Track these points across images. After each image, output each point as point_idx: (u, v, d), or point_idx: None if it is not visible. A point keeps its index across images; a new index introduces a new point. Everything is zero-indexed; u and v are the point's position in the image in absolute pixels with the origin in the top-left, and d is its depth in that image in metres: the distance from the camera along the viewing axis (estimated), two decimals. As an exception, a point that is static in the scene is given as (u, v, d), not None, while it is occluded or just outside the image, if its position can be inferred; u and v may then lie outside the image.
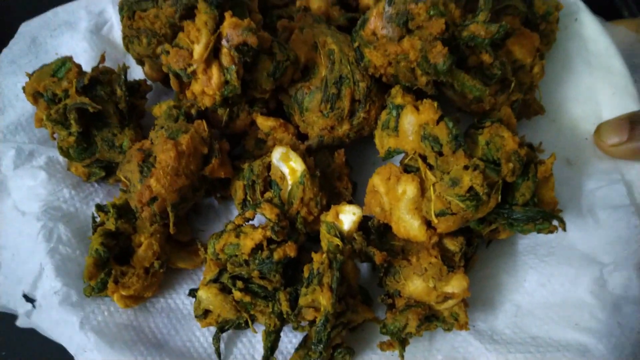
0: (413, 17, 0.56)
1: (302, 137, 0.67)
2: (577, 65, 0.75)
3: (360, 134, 0.65)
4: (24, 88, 0.68)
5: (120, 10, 0.74)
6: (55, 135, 0.70)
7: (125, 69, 0.70)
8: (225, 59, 0.56)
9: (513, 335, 0.61)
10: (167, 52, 0.59)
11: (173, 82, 0.61)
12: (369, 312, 0.61)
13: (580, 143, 0.71)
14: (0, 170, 0.71)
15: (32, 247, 0.66)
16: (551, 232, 0.57)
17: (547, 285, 0.63)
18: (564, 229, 0.57)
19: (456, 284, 0.57)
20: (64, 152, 0.69)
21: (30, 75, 0.69)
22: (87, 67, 0.77)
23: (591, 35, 0.75)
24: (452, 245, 0.60)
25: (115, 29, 0.81)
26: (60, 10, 0.82)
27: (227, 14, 0.56)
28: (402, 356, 0.58)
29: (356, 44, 0.61)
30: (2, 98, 0.75)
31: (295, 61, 0.62)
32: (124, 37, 0.74)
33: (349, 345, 0.60)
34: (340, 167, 0.66)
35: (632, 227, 0.62)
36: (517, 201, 0.59)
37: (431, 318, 0.59)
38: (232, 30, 0.55)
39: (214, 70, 0.56)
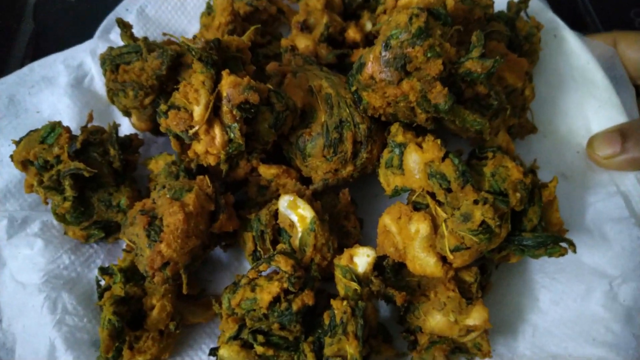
0: (411, 60, 0.56)
1: (304, 180, 0.67)
2: (562, 81, 0.77)
3: (363, 172, 0.66)
4: (11, 156, 0.66)
5: (102, 64, 0.72)
6: (48, 200, 0.68)
7: (116, 127, 0.68)
8: (226, 117, 0.55)
9: (533, 356, 0.62)
10: (165, 114, 0.58)
11: (174, 143, 0.60)
12: (390, 350, 0.61)
13: (574, 157, 0.73)
14: (-6, 241, 0.68)
15: (38, 320, 0.63)
16: (562, 254, 0.59)
17: (561, 302, 0.64)
18: (574, 251, 0.58)
19: (477, 316, 0.57)
20: (60, 217, 0.66)
21: (17, 143, 0.66)
22: (72, 123, 0.76)
23: (572, 51, 0.77)
24: (467, 276, 0.61)
25: (96, 80, 0.79)
26: (36, 66, 0.80)
27: (225, 73, 0.55)
28: (430, 392, 0.59)
29: (354, 88, 0.61)
30: (-16, 165, 0.72)
31: (294, 109, 0.61)
32: (108, 91, 0.73)
33: (375, 385, 0.61)
34: (347, 206, 0.66)
35: (634, 239, 0.64)
36: (525, 227, 0.60)
37: (455, 350, 0.60)
38: (233, 89, 0.54)
39: (217, 130, 0.55)
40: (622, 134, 0.70)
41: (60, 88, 0.77)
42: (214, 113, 0.56)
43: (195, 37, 0.59)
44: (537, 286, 0.66)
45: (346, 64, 0.73)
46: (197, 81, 0.56)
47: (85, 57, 0.80)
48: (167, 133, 0.65)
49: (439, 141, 0.59)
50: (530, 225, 0.60)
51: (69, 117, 0.76)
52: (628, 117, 0.72)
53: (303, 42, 0.72)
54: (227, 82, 0.55)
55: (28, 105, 0.78)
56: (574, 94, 0.76)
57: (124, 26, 0.73)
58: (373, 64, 0.58)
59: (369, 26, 0.76)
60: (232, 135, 0.56)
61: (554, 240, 0.58)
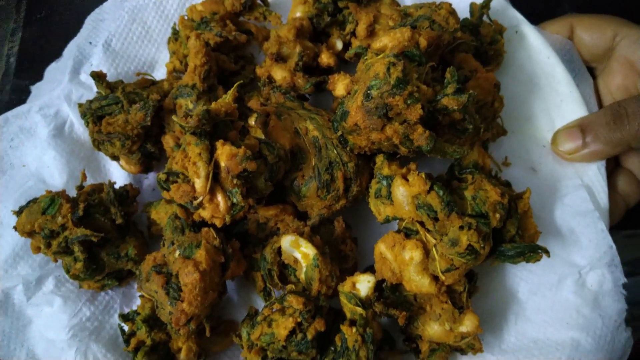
0: (392, 108, 0.59)
1: (300, 213, 0.71)
2: (526, 77, 0.81)
3: (355, 202, 0.70)
4: (15, 227, 0.68)
5: (83, 116, 0.73)
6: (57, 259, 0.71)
7: (112, 186, 0.70)
8: (227, 184, 0.59)
9: (517, 342, 0.72)
10: (166, 183, 0.61)
11: (179, 211, 0.63)
12: (396, 355, 0.70)
13: (541, 151, 0.79)
14: (14, 304, 0.71)
15: (74, 374, 0.69)
16: (538, 260, 0.66)
17: (538, 292, 0.73)
18: (549, 256, 0.66)
19: (469, 324, 0.66)
20: (74, 277, 0.70)
21: (17, 213, 0.68)
22: (62, 175, 0.77)
23: (533, 46, 0.81)
24: (457, 287, 0.68)
25: (76, 126, 0.79)
26: (10, 117, 0.79)
27: (219, 144, 0.58)
28: (435, 390, 0.68)
29: (339, 133, 0.65)
30: (-13, 232, 0.74)
31: (285, 157, 0.64)
32: (94, 141, 0.74)
33: (386, 388, 0.69)
34: (342, 232, 0.71)
35: (599, 231, 0.72)
36: (505, 237, 0.67)
37: (451, 351, 0.68)
38: (230, 161, 0.57)
39: (220, 198, 0.59)
40: (582, 128, 0.76)
41: (42, 140, 0.77)
42: (214, 179, 0.59)
43: (186, 114, 0.61)
44: (517, 279, 0.74)
45: (323, 90, 0.75)
46: (193, 154, 0.58)
47: (61, 104, 0.79)
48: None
49: (423, 174, 0.64)
50: (509, 236, 0.67)
51: (58, 169, 0.77)
52: (588, 110, 0.78)
53: (280, 74, 0.73)
54: (224, 153, 0.57)
55: (12, 159, 0.78)
56: (537, 89, 0.81)
57: (99, 77, 0.73)
58: (356, 113, 0.61)
59: (339, 45, 0.78)
60: (234, 199, 0.59)
61: (531, 249, 0.66)
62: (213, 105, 0.60)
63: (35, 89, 0.85)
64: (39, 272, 0.73)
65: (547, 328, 0.71)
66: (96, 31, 0.83)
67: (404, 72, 0.59)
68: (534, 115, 0.80)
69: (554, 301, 0.72)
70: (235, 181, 0.58)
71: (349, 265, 0.72)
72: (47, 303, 0.72)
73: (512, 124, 0.80)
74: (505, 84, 0.80)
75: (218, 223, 0.61)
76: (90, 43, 0.83)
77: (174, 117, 0.58)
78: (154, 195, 0.80)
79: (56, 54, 0.84)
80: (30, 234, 0.68)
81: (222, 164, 0.58)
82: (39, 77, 0.84)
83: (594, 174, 0.76)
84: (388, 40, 0.63)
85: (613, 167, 0.82)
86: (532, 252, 0.66)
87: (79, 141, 0.79)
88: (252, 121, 0.66)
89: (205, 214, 0.60)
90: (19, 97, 0.90)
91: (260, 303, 0.76)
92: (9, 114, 0.79)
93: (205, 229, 0.65)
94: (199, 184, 0.58)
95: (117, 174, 0.79)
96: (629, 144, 0.74)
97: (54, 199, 0.67)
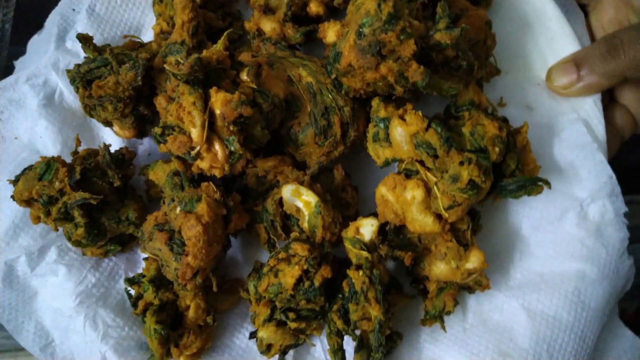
0: (385, 45, 0.59)
1: (298, 163, 0.71)
2: (517, 17, 0.80)
3: (353, 148, 0.70)
4: (12, 197, 0.67)
5: (72, 81, 0.72)
6: (58, 228, 0.71)
7: (107, 148, 0.69)
8: (223, 132, 0.58)
9: (523, 278, 0.72)
10: (162, 137, 0.60)
11: (178, 164, 0.63)
12: (404, 298, 0.70)
13: (536, 89, 0.79)
14: (18, 276, 0.71)
15: (84, 338, 0.69)
16: (539, 192, 0.67)
17: (540, 227, 0.73)
18: (550, 188, 0.66)
19: (475, 260, 0.66)
20: (77, 243, 0.70)
21: (13, 182, 0.67)
22: (55, 145, 0.76)
23: (522, -16, 0.80)
24: (461, 225, 0.68)
25: (66, 95, 0.78)
26: (-3, 87, 0.78)
27: (213, 91, 0.57)
28: (444, 328, 0.69)
29: (333, 76, 0.64)
30: (-17, 206, 0.73)
31: (280, 104, 0.64)
32: (85, 106, 0.73)
33: (396, 330, 0.70)
34: (343, 180, 0.71)
35: (598, 162, 0.72)
36: (505, 172, 0.67)
37: (459, 290, 0.69)
38: (225, 107, 0.56)
39: (217, 146, 0.58)
40: (576, 62, 0.75)
41: (33, 110, 0.76)
42: (210, 129, 0.59)
43: (178, 62, 0.60)
44: (519, 216, 0.74)
45: (314, 39, 0.74)
46: (187, 103, 0.57)
47: (49, 73, 0.78)
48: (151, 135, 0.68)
49: (420, 113, 0.64)
50: (509, 171, 0.67)
51: (51, 139, 0.76)
52: (580, 45, 0.78)
53: (269, 25, 0.72)
54: (218, 100, 0.57)
55: (3, 132, 0.77)
56: (528, 28, 0.80)
57: (86, 40, 0.72)
58: (349, 53, 0.61)
59: (327, -7, 0.76)
60: (232, 147, 0.59)
61: (532, 181, 0.66)
62: (204, 53, 0.59)
63: (19, 63, 0.84)
64: (40, 242, 0.72)
65: (552, 262, 0.72)
66: (78, -2, 0.81)
67: (395, 8, 0.58)
68: (526, 54, 0.80)
69: (556, 235, 0.72)
70: (232, 127, 0.58)
71: (351, 212, 0.72)
72: (52, 272, 0.71)
73: (505, 64, 0.79)
74: (496, 24, 0.78)
75: (217, 173, 0.61)
76: (74, 10, 0.81)
77: (165, 66, 0.57)
78: (150, 160, 0.79)
79: None
80: (28, 202, 0.67)
81: (217, 111, 0.57)
82: None
83: (590, 108, 0.76)
84: (377, -23, 0.62)
85: (607, 102, 0.82)
86: (533, 184, 0.66)
87: (70, 109, 0.78)
88: (244, 75, 0.66)
89: (203, 164, 0.60)
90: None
91: (265, 260, 0.75)
92: (-4, 85, 0.78)
93: (204, 183, 0.65)
94: (195, 133, 0.57)
95: (112, 140, 0.78)
96: (624, 74, 0.73)
97: (50, 164, 0.66)
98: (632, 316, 0.79)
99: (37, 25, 0.84)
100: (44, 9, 0.83)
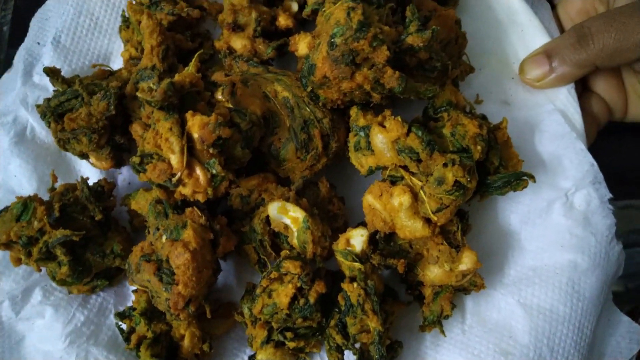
0: (358, 53, 0.58)
1: (281, 179, 0.70)
2: (485, 13, 0.81)
3: (336, 159, 0.69)
4: (-10, 242, 0.65)
5: (43, 116, 0.71)
6: (41, 268, 0.69)
7: (85, 182, 0.68)
8: (203, 156, 0.57)
9: (516, 273, 0.72)
10: (140, 166, 0.59)
11: (160, 192, 0.61)
12: (400, 305, 0.69)
13: (510, 83, 0.79)
14: (3, 321, 0.69)
15: (77, 381, 0.67)
16: (525, 187, 0.67)
17: (528, 221, 0.73)
18: (534, 181, 0.66)
19: (467, 261, 0.65)
20: (62, 282, 0.68)
21: (-11, 226, 0.65)
22: (31, 182, 0.75)
23: (487, -19, 0.81)
24: (450, 227, 0.68)
25: (38, 130, 0.76)
26: (-34, 132, 0.75)
27: (189, 115, 0.56)
28: (443, 333, 0.68)
29: (309, 89, 0.63)
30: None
31: (258, 122, 0.63)
32: (58, 141, 0.71)
33: (396, 339, 0.69)
34: (328, 192, 0.70)
35: (578, 151, 0.73)
36: (489, 169, 0.67)
37: (455, 292, 0.68)
38: (203, 130, 0.55)
39: (199, 171, 0.57)
40: (547, 54, 0.76)
41: (4, 149, 0.74)
42: (190, 153, 0.58)
43: (150, 88, 0.58)
44: (506, 212, 0.74)
45: (285, 53, 0.74)
46: (164, 129, 0.56)
47: (18, 109, 0.76)
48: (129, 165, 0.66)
49: (399, 118, 0.63)
50: (493, 168, 0.67)
51: (26, 177, 0.74)
52: (550, 36, 0.78)
53: (239, 43, 0.72)
54: (195, 123, 0.56)
55: (-24, 175, 0.75)
56: (497, 23, 0.81)
57: (53, 73, 0.70)
58: (323, 64, 0.60)
59: (295, 6, 0.76)
60: (213, 170, 0.58)
61: (516, 176, 0.66)
62: (177, 77, 0.58)
63: None
64: (23, 284, 0.70)
65: (543, 254, 0.72)
66: (42, 31, 0.80)
67: (365, 15, 0.58)
68: (498, 49, 0.80)
69: (545, 227, 0.73)
70: (211, 150, 0.56)
71: (340, 224, 0.71)
72: (38, 315, 0.69)
73: (478, 61, 0.80)
74: (465, 22, 0.78)
75: (201, 198, 0.59)
76: (39, 43, 0.79)
77: (138, 94, 0.56)
78: (130, 189, 0.77)
79: None
80: (7, 245, 0.65)
81: (195, 135, 0.56)
82: None
83: (565, 97, 0.76)
84: (344, -13, 0.62)
85: (581, 91, 0.82)
86: (518, 179, 0.66)
87: (43, 145, 0.76)
88: (219, 95, 0.65)
89: (186, 190, 0.58)
90: None
91: (257, 281, 0.74)
92: (-34, 128, 0.76)
93: (189, 209, 0.64)
94: (174, 159, 0.56)
95: (89, 172, 0.76)
96: (594, 63, 0.74)
97: (27, 203, 0.64)
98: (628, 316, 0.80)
99: None
100: None
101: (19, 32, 0.93)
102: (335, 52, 0.59)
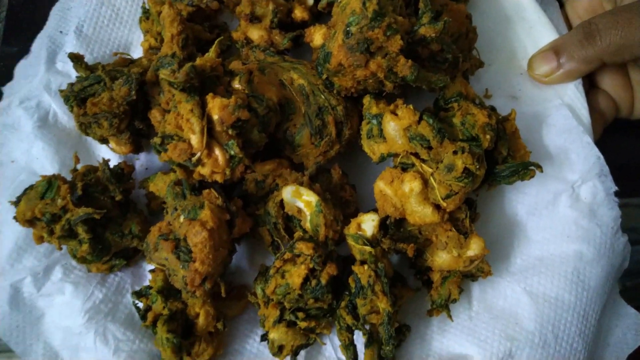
0: (372, 42, 0.61)
1: (295, 165, 0.72)
2: (495, 10, 0.83)
3: (348, 147, 0.72)
4: (15, 217, 0.67)
5: (67, 101, 0.73)
6: (62, 246, 0.71)
7: (106, 164, 0.70)
8: (222, 137, 0.59)
9: (523, 263, 0.74)
10: (162, 146, 0.61)
11: (179, 172, 0.64)
12: (409, 291, 0.71)
13: (519, 78, 0.82)
14: (24, 297, 0.71)
15: (96, 354, 0.69)
16: (532, 177, 0.68)
17: (535, 212, 0.75)
18: (542, 171, 0.68)
19: (475, 247, 0.67)
20: (82, 260, 0.70)
21: (15, 203, 0.68)
22: (53, 165, 0.77)
23: (498, -21, 0.83)
24: (459, 214, 0.70)
25: (60, 115, 0.79)
26: (-10, 113, 0.78)
27: (209, 97, 0.58)
28: (450, 317, 0.70)
29: (324, 76, 0.66)
30: (-15, 229, 0.73)
31: (274, 107, 0.65)
32: (80, 125, 0.74)
33: (404, 323, 0.71)
34: (340, 179, 0.72)
35: (585, 144, 0.75)
36: (497, 159, 0.69)
37: (463, 278, 0.70)
38: (223, 112, 0.57)
39: (217, 151, 0.59)
40: (555, 50, 0.78)
41: (28, 133, 0.77)
42: (209, 135, 0.60)
43: (174, 71, 0.61)
44: (514, 203, 0.76)
45: (301, 44, 0.76)
46: (185, 111, 0.59)
47: (41, 94, 0.78)
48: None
49: (411, 106, 0.65)
50: (501, 157, 0.69)
51: (48, 159, 0.76)
52: (558, 33, 0.80)
53: (256, 33, 0.74)
54: (215, 105, 0.58)
55: (0, 157, 0.77)
56: (507, 20, 0.83)
57: (77, 59, 0.73)
58: (339, 52, 0.63)
59: (310, 0, 0.79)
60: (231, 152, 0.60)
61: (524, 166, 0.68)
62: (198, 61, 0.60)
63: (7, 88, 0.84)
64: (45, 262, 0.73)
65: (550, 245, 0.73)
66: (65, 20, 0.83)
67: (380, 5, 0.60)
68: (507, 45, 0.83)
69: (552, 218, 0.74)
70: (230, 132, 0.59)
71: (351, 210, 0.73)
72: (58, 291, 0.72)
73: (488, 56, 0.82)
74: (476, 18, 0.81)
75: (219, 178, 0.62)
76: (61, 32, 0.82)
77: (161, 74, 0.58)
78: (147, 174, 0.80)
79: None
80: (31, 222, 0.68)
81: (215, 117, 0.58)
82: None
83: (573, 93, 0.78)
84: (360, -21, 0.64)
85: (588, 87, 0.84)
86: (525, 169, 0.68)
87: (65, 129, 0.79)
88: (236, 84, 0.67)
89: (205, 170, 0.61)
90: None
91: (269, 264, 0.76)
92: (-12, 111, 0.79)
93: (206, 190, 0.66)
94: (195, 139, 0.59)
95: (108, 157, 0.78)
96: (601, 59, 0.76)
97: (51, 182, 0.66)
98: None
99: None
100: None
101: (13, 30, 0.94)
102: (351, 40, 0.61)
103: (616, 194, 0.74)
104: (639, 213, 1.09)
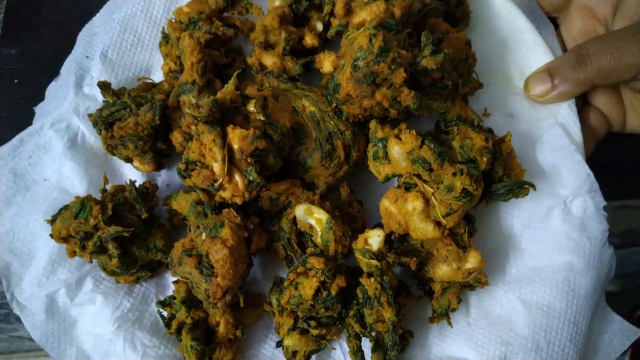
0: (378, 75, 0.66)
1: (307, 184, 0.78)
2: (492, 32, 0.88)
3: (356, 167, 0.77)
4: (51, 235, 0.74)
5: (95, 125, 0.79)
6: (93, 260, 0.77)
7: (133, 184, 0.76)
8: (241, 164, 0.65)
9: (518, 273, 0.79)
10: (186, 172, 0.67)
11: (202, 195, 0.69)
12: (412, 300, 0.77)
13: (515, 98, 0.86)
14: (59, 307, 0.78)
15: (125, 359, 0.75)
16: (526, 194, 0.74)
17: (530, 225, 0.81)
18: (535, 189, 0.74)
19: (473, 260, 0.73)
20: (111, 273, 0.76)
21: (51, 222, 0.74)
22: (82, 183, 0.83)
23: (496, 3, 0.88)
24: (458, 229, 0.75)
25: (87, 136, 0.85)
26: (24, 136, 0.84)
27: (230, 129, 0.64)
28: (450, 324, 0.76)
29: (334, 105, 0.71)
30: (22, 244, 0.79)
31: (288, 133, 0.71)
32: (107, 146, 0.80)
33: (407, 329, 0.77)
34: (348, 196, 0.78)
35: (577, 162, 0.80)
36: (494, 178, 0.75)
37: (461, 288, 0.76)
38: (242, 142, 0.63)
39: (237, 177, 0.65)
40: (550, 72, 0.83)
41: (59, 153, 0.83)
42: (229, 162, 0.66)
43: (197, 105, 0.66)
44: (510, 217, 0.82)
45: (311, 69, 0.82)
46: (208, 141, 0.64)
47: (70, 117, 0.84)
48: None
49: (414, 132, 0.71)
50: (497, 177, 0.75)
51: (77, 178, 0.82)
52: (553, 55, 0.85)
53: (270, 60, 0.79)
54: (236, 136, 0.64)
55: (33, 175, 0.83)
56: (504, 42, 0.88)
57: (105, 86, 0.78)
58: (347, 84, 0.68)
59: (320, 26, 0.84)
60: (250, 177, 0.66)
61: (519, 185, 0.73)
62: (218, 94, 0.66)
63: (38, 109, 0.90)
64: (77, 274, 0.79)
65: (543, 256, 0.79)
66: (91, 45, 0.88)
67: (385, 41, 0.66)
68: (505, 66, 0.87)
69: (545, 231, 0.80)
70: (249, 160, 0.65)
71: (358, 225, 0.79)
72: (90, 301, 0.78)
73: (486, 77, 0.87)
74: (475, 41, 0.86)
75: (239, 201, 0.68)
76: (87, 57, 0.88)
77: (186, 110, 0.64)
78: (169, 190, 0.86)
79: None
80: (65, 239, 0.74)
81: (236, 146, 0.64)
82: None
83: (566, 112, 0.83)
84: (366, 14, 0.70)
85: (582, 105, 0.89)
86: (520, 187, 0.74)
87: (92, 150, 0.85)
88: (251, 107, 0.73)
89: (226, 194, 0.67)
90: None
91: (283, 275, 0.82)
92: (23, 134, 0.84)
93: (225, 210, 0.72)
94: (217, 167, 0.64)
95: (132, 174, 0.85)
96: (592, 82, 0.81)
97: (84, 203, 0.72)
98: (626, 316, 0.86)
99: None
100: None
101: (11, 32, 0.94)
102: (358, 74, 0.67)
103: (605, 208, 0.80)
104: (637, 215, 1.15)
